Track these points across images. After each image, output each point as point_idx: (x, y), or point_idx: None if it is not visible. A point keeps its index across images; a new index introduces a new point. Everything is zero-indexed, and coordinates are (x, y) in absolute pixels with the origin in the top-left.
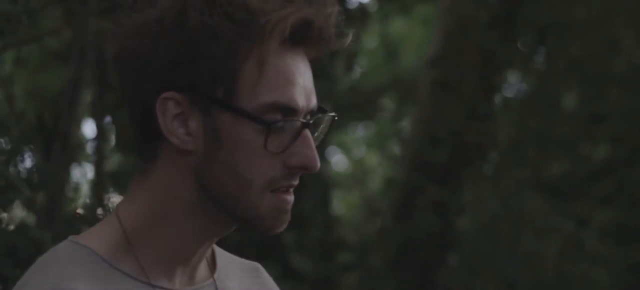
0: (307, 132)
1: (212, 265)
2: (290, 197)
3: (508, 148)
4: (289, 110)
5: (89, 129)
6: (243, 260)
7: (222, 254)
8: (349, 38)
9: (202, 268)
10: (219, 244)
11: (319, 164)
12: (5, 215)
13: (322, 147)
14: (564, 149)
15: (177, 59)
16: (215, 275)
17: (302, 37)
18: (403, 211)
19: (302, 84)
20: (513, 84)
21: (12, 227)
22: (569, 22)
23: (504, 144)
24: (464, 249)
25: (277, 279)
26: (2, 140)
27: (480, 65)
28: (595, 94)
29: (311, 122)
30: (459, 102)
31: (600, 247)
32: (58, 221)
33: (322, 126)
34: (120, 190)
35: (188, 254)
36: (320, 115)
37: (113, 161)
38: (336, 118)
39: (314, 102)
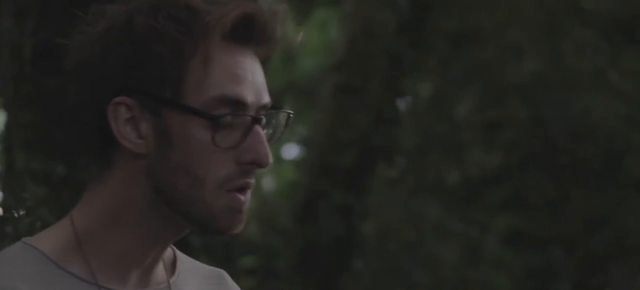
0: (258, 128)
1: (171, 269)
2: (245, 197)
3: (412, 153)
4: (238, 105)
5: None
6: (208, 267)
7: (185, 260)
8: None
9: (158, 272)
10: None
11: (271, 160)
12: None
13: None
14: (460, 155)
15: (126, 63)
16: (172, 280)
17: (246, 34)
18: (306, 215)
19: (250, 80)
20: (419, 90)
21: None
22: (474, 29)
23: (409, 148)
24: (368, 253)
25: None
26: None
27: (387, 70)
28: (494, 101)
29: (263, 118)
30: (364, 107)
31: (500, 252)
32: None
33: (277, 123)
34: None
35: (141, 257)
36: (274, 112)
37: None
38: (292, 115)
39: (266, 98)
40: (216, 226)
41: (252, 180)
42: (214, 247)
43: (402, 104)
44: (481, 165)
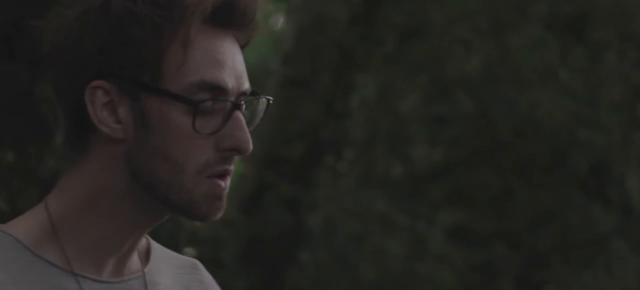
0: (239, 113)
1: (145, 258)
2: (225, 183)
3: (360, 146)
4: (218, 90)
5: None
6: (182, 256)
7: (159, 249)
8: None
9: (133, 261)
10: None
11: (251, 147)
12: None
13: None
14: (405, 148)
15: (103, 47)
16: (146, 269)
17: (226, 18)
18: (253, 207)
19: (231, 65)
20: (368, 83)
21: None
22: (423, 23)
23: (358, 142)
24: (314, 246)
25: None
26: None
27: (337, 63)
28: (440, 95)
29: (243, 104)
30: (313, 100)
31: (445, 247)
32: None
33: (257, 110)
34: None
35: (117, 245)
36: (253, 98)
37: None
38: (271, 101)
39: (246, 85)
40: (196, 212)
41: (231, 167)
42: (159, 237)
43: (353, 97)
44: (426, 159)
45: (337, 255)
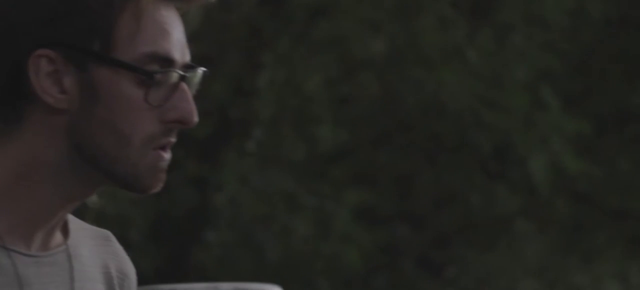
0: (185, 85)
1: (65, 231)
2: (168, 155)
3: (268, 126)
4: (167, 62)
5: None
6: (93, 227)
7: (73, 220)
8: None
9: (57, 233)
10: None
11: (196, 118)
12: None
13: None
14: (310, 129)
15: (49, 14)
16: (68, 242)
17: None
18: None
19: (177, 37)
20: (276, 62)
21: None
22: (331, 3)
23: (265, 121)
24: (220, 225)
25: None
26: None
27: (246, 41)
28: (345, 76)
29: (188, 75)
30: (221, 78)
31: (350, 227)
32: None
33: (194, 82)
34: None
35: (48, 218)
36: (194, 70)
37: None
38: (209, 73)
39: (187, 56)
40: (139, 185)
41: (174, 139)
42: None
43: (262, 76)
44: (332, 139)
45: (243, 234)
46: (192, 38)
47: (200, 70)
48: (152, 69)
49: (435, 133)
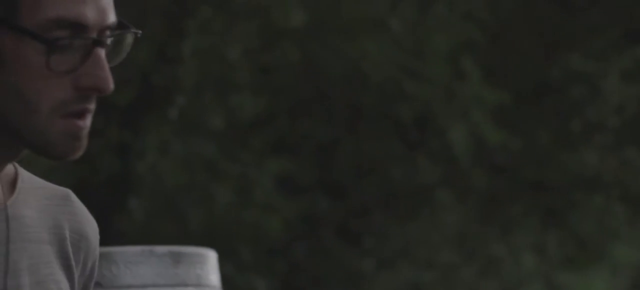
0: (99, 50)
1: (10, 190)
2: (84, 122)
3: (191, 94)
4: (77, 26)
5: None
6: (54, 186)
7: (28, 180)
8: None
9: None
10: None
11: (112, 86)
12: None
13: None
14: (232, 97)
15: None
16: (9, 202)
17: None
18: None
19: (93, 0)
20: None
21: None
22: None
23: (188, 89)
24: (143, 192)
25: None
26: None
27: (168, 7)
28: (267, 44)
29: (106, 40)
30: (144, 44)
31: (271, 196)
32: None
33: (124, 44)
34: None
35: None
36: (119, 33)
37: None
38: (139, 34)
39: (111, 18)
40: (52, 152)
41: (91, 105)
42: None
43: (183, 43)
44: (253, 108)
45: (166, 202)
46: (115, 3)
47: (130, 32)
48: (57, 35)
49: (356, 103)
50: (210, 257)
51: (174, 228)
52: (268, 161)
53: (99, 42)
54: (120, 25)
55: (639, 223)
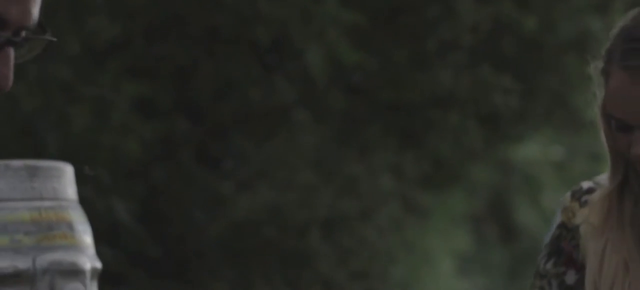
0: (9, 50)
1: None
2: None
3: (44, 17)
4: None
5: None
6: None
7: None
8: None
9: None
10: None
11: (10, 86)
12: None
13: None
14: (86, 20)
15: None
16: None
17: None
18: None
19: None
20: None
21: None
22: None
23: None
24: None
25: None
26: None
27: None
28: None
29: (21, 40)
30: None
31: (128, 118)
32: None
33: (36, 46)
34: None
35: None
36: (35, 36)
37: None
38: (55, 41)
39: (33, 18)
40: None
41: None
42: None
43: None
44: (108, 31)
45: (21, 125)
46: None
47: (47, 38)
48: None
49: (212, 25)
50: (67, 171)
51: (30, 151)
52: (125, 84)
53: (12, 42)
54: (40, 25)
55: (495, 143)
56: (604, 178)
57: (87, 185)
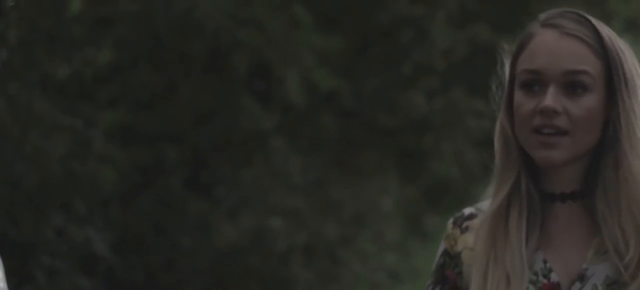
0: None
1: None
2: None
3: (17, 47)
4: None
5: None
6: None
7: None
8: None
9: None
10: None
11: None
12: None
13: None
14: (70, 51)
15: None
16: None
17: None
18: None
19: None
20: None
21: None
22: None
23: (14, 42)
24: None
25: None
26: None
27: None
28: None
29: None
30: None
31: (107, 147)
32: None
33: None
34: None
35: None
36: None
37: None
38: None
39: None
40: None
41: None
42: None
43: None
44: (91, 61)
45: None
46: None
47: None
48: None
49: (192, 53)
50: None
51: (4, 184)
52: (104, 113)
53: None
54: None
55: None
56: (485, 204)
57: (64, 216)
